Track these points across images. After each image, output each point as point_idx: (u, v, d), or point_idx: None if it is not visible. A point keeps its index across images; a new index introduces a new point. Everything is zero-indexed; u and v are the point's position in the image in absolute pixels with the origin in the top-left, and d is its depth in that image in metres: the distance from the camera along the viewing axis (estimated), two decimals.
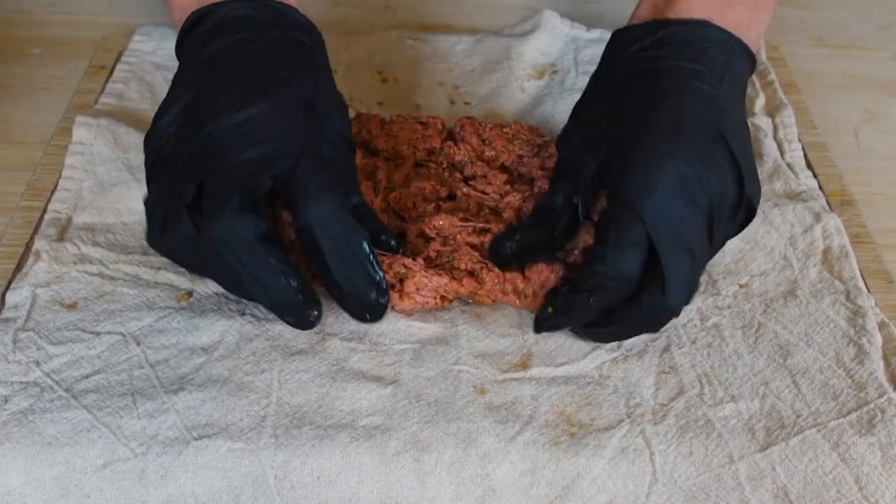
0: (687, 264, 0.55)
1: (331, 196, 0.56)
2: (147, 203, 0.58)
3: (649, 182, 0.55)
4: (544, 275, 0.59)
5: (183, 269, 0.61)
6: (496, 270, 0.59)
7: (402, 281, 0.59)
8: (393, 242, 0.59)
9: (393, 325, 0.59)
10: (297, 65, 0.61)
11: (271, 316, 0.58)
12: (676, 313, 0.56)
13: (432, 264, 0.60)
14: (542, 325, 0.58)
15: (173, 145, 0.58)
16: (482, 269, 0.59)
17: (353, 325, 0.58)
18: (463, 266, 0.59)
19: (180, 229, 0.55)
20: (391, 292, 0.59)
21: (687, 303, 0.57)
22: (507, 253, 0.60)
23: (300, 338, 0.57)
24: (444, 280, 0.59)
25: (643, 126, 0.57)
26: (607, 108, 0.61)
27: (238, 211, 0.54)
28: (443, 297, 0.60)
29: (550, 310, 0.58)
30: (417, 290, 0.59)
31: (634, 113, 0.59)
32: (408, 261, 0.59)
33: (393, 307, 0.59)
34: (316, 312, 0.57)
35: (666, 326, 0.58)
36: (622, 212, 0.55)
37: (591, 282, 0.55)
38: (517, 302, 0.60)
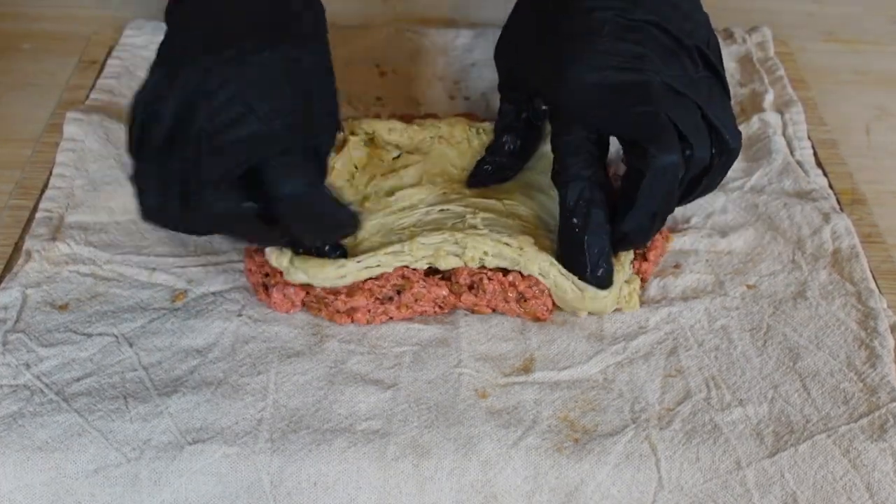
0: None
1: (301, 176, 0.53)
2: (135, 178, 0.54)
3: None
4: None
5: (178, 270, 0.60)
6: (497, 278, 0.58)
7: (399, 292, 0.58)
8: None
9: (392, 327, 0.58)
10: (285, 25, 0.57)
11: (268, 317, 0.58)
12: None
13: (434, 271, 0.59)
14: None
15: (153, 122, 0.53)
16: (482, 279, 0.58)
17: (352, 327, 0.58)
18: (462, 281, 0.58)
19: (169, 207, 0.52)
20: (388, 304, 0.58)
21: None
22: (486, 174, 0.64)
23: (298, 339, 0.57)
24: (444, 292, 0.58)
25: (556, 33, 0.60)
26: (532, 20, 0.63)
27: (223, 193, 0.51)
28: (440, 307, 0.59)
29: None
30: (416, 301, 0.58)
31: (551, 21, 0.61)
32: (407, 270, 0.58)
33: (390, 318, 0.58)
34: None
35: (672, 329, 0.58)
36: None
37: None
38: (518, 310, 0.58)
